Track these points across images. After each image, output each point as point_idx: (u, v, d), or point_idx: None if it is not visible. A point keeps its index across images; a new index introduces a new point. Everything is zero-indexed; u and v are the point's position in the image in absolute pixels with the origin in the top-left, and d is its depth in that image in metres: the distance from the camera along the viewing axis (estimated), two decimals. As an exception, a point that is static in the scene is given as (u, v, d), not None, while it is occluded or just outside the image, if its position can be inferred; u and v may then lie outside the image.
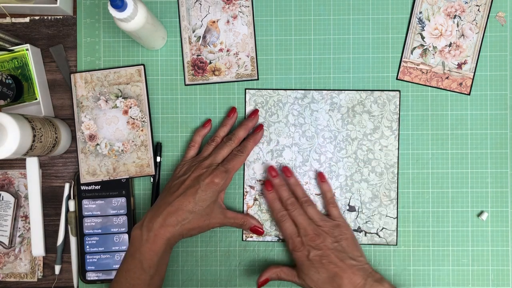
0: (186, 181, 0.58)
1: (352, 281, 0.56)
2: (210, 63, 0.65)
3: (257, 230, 0.63)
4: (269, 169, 0.63)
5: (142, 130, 0.64)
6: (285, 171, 0.63)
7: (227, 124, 0.63)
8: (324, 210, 0.64)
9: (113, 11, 0.51)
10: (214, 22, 0.65)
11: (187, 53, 0.65)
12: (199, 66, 0.65)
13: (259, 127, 0.64)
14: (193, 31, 0.65)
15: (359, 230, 0.64)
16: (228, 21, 0.65)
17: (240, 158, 0.60)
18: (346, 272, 0.57)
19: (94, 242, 0.64)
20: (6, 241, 0.65)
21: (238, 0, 0.65)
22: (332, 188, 0.63)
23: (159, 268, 0.55)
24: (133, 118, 0.64)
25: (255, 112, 0.64)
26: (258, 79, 0.65)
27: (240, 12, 0.64)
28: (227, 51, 0.65)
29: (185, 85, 0.65)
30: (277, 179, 0.62)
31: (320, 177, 0.63)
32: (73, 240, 0.65)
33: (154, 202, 0.61)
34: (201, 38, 0.65)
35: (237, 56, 0.65)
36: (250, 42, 0.65)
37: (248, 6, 0.64)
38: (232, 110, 0.64)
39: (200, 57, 0.65)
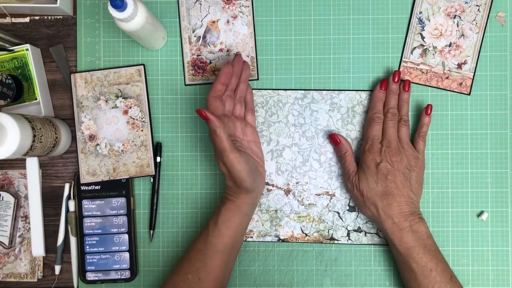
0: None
1: (401, 208, 0.58)
2: (210, 63, 0.65)
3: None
4: (394, 72, 0.62)
5: (142, 130, 0.64)
6: (405, 83, 0.61)
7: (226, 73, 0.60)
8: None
9: (113, 11, 0.51)
10: (214, 22, 0.65)
11: (187, 53, 0.65)
12: (199, 66, 0.65)
13: (245, 67, 0.61)
14: (193, 31, 0.65)
15: (359, 230, 0.64)
16: (228, 21, 0.65)
17: (242, 105, 0.61)
18: (400, 197, 0.58)
19: (94, 242, 0.64)
20: (6, 241, 0.65)
21: (238, 0, 0.65)
22: (429, 124, 0.62)
23: (241, 228, 0.59)
24: (133, 118, 0.64)
25: (238, 55, 0.62)
26: (258, 79, 0.65)
27: (240, 12, 0.64)
28: (227, 51, 0.65)
29: (185, 85, 0.65)
30: (395, 86, 0.62)
31: (426, 108, 0.62)
32: (73, 240, 0.65)
33: (229, 182, 0.59)
34: (201, 38, 0.65)
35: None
36: (250, 42, 0.65)
37: (248, 6, 0.64)
38: (236, 60, 0.61)
39: (200, 57, 0.65)
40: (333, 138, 0.63)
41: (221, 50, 0.65)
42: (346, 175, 0.62)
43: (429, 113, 0.62)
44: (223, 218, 0.57)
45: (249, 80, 0.65)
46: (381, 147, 0.59)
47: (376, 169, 0.59)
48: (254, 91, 0.65)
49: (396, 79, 0.61)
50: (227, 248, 0.57)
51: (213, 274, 0.57)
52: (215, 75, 0.65)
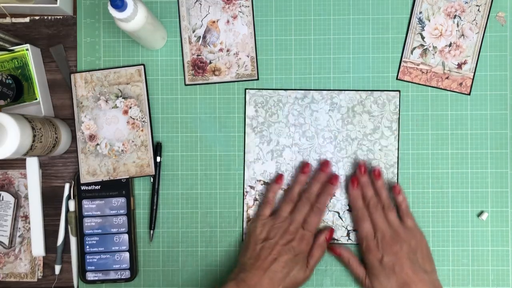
0: (277, 246, 0.59)
1: None
2: (210, 63, 0.65)
3: (331, 234, 0.63)
4: (359, 165, 0.62)
5: (142, 130, 0.64)
6: (375, 173, 0.62)
7: (302, 181, 0.63)
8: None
9: (113, 11, 0.51)
10: (214, 22, 0.65)
11: (187, 53, 0.65)
12: (199, 66, 0.65)
13: (334, 179, 0.63)
14: (193, 31, 0.65)
15: (359, 230, 0.65)
16: (228, 21, 0.65)
17: (320, 216, 0.61)
18: (416, 284, 0.57)
19: (94, 242, 0.64)
20: (6, 241, 0.65)
21: (238, 0, 0.65)
22: (406, 200, 0.63)
23: None
24: (133, 118, 0.64)
25: (326, 163, 0.63)
26: (258, 79, 0.65)
27: (240, 12, 0.64)
28: (227, 51, 0.65)
29: (185, 85, 0.65)
30: (365, 178, 0.62)
31: (394, 190, 0.62)
32: (73, 240, 0.65)
33: (240, 260, 0.61)
34: (201, 38, 0.65)
35: (237, 56, 0.65)
36: (250, 42, 0.65)
37: (248, 6, 0.64)
38: (306, 166, 0.63)
39: (200, 57, 0.65)
40: (334, 251, 0.63)
41: (221, 50, 0.65)
42: (359, 281, 0.62)
43: (398, 192, 0.62)
44: None
45: (249, 80, 0.65)
46: (377, 242, 0.59)
47: (381, 266, 0.58)
48: (254, 91, 0.65)
49: (363, 171, 0.62)
50: None
51: None
52: (215, 75, 0.65)
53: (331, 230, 0.63)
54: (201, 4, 0.65)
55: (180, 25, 0.65)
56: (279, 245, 0.59)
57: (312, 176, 0.63)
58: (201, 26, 0.65)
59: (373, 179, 0.62)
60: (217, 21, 0.65)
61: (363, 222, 0.61)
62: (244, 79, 0.65)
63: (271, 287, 0.57)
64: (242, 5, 0.64)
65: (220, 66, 0.65)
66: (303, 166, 0.63)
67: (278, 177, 0.64)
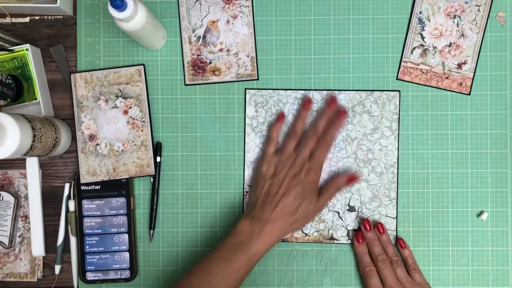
0: (285, 181, 0.59)
1: None
2: (210, 63, 0.65)
3: (353, 178, 0.63)
4: (363, 222, 0.63)
5: (142, 130, 0.64)
6: (379, 227, 0.63)
7: (304, 116, 0.63)
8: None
9: (113, 11, 0.51)
10: (214, 22, 0.65)
11: (187, 53, 0.65)
12: (199, 66, 0.65)
13: (342, 113, 0.63)
14: (193, 31, 0.65)
15: (359, 230, 0.64)
16: (228, 21, 0.65)
17: (328, 149, 0.61)
18: None
19: (94, 242, 0.64)
20: (6, 241, 0.65)
21: (238, 0, 0.65)
22: (412, 253, 0.63)
23: (255, 264, 0.58)
24: (133, 118, 0.64)
25: (333, 99, 0.63)
26: (258, 79, 0.65)
27: (240, 12, 0.64)
28: (227, 51, 0.65)
29: (185, 85, 0.65)
30: (371, 233, 0.62)
31: (400, 244, 0.63)
32: (73, 240, 0.65)
33: (250, 201, 0.61)
34: (201, 38, 0.65)
35: (237, 56, 0.65)
36: (250, 42, 0.65)
37: (248, 6, 0.64)
38: (308, 101, 0.63)
39: (200, 57, 0.65)
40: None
41: (221, 50, 0.65)
42: None
43: (404, 246, 0.63)
44: (257, 257, 0.57)
45: (249, 80, 0.65)
46: None
47: None
48: (254, 91, 0.65)
49: (368, 228, 0.62)
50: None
51: None
52: (215, 75, 0.65)
53: (353, 176, 0.63)
54: (201, 4, 0.65)
55: (180, 25, 0.65)
56: (287, 179, 0.59)
57: (319, 112, 0.64)
58: (201, 26, 0.65)
59: (378, 235, 0.63)
60: (217, 21, 0.65)
61: (372, 278, 0.61)
62: (244, 79, 0.65)
63: (283, 221, 0.58)
64: (242, 5, 0.64)
65: (220, 66, 0.65)
66: (305, 102, 0.63)
67: (280, 115, 0.64)
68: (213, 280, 0.55)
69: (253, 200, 0.60)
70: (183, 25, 0.65)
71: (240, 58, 0.65)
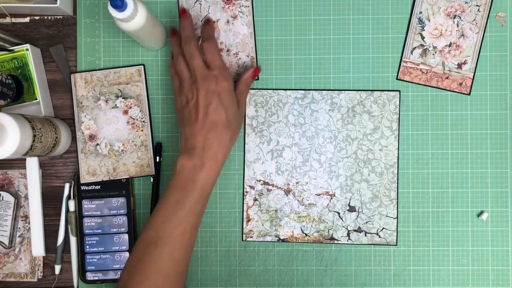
0: (199, 100, 0.56)
1: None
2: None
3: (257, 71, 0.62)
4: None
5: (142, 130, 0.64)
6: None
7: (184, 28, 0.60)
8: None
9: (113, 11, 0.51)
10: (214, 22, 0.65)
11: None
12: None
13: (183, 12, 0.61)
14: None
15: (359, 230, 0.64)
16: (228, 21, 0.65)
17: (214, 44, 0.59)
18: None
19: (94, 242, 0.64)
20: (6, 241, 0.65)
21: (238, 0, 0.65)
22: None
23: (208, 196, 0.57)
24: (133, 118, 0.64)
25: (183, 11, 0.62)
26: (258, 79, 0.65)
27: (240, 12, 0.64)
28: (227, 51, 0.65)
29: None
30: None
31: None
32: (73, 240, 0.65)
33: (181, 139, 0.59)
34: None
35: (237, 56, 0.65)
36: (250, 42, 0.65)
37: (248, 6, 0.64)
38: (182, 10, 0.62)
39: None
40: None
41: (221, 50, 0.65)
42: None
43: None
44: (209, 187, 0.56)
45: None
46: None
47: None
48: (254, 91, 0.65)
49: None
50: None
51: (194, 241, 0.58)
52: None
53: (256, 68, 0.63)
54: (201, 4, 0.65)
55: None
56: (201, 99, 0.56)
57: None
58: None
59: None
60: (217, 21, 0.65)
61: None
62: None
63: (219, 140, 0.56)
64: (242, 5, 0.64)
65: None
66: (180, 12, 0.62)
67: (172, 31, 0.62)
68: (169, 228, 0.54)
69: (182, 137, 0.58)
70: None
71: (240, 58, 0.65)
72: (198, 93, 0.56)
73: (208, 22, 0.63)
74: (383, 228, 0.64)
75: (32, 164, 0.64)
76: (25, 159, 0.65)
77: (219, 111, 0.56)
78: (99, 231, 0.64)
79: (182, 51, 0.60)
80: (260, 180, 0.65)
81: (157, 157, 0.65)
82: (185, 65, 0.59)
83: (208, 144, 0.56)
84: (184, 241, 0.55)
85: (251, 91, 0.65)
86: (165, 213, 0.55)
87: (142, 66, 0.65)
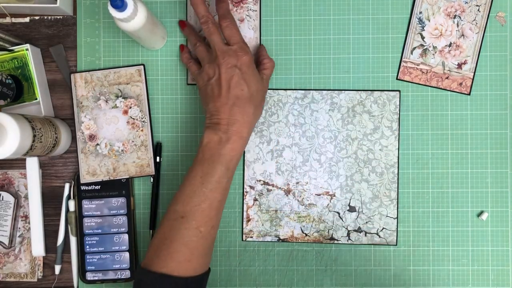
0: (221, 76, 0.57)
1: None
2: None
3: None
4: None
5: (142, 130, 0.64)
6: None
7: (197, 4, 0.59)
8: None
9: (113, 11, 0.51)
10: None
11: (192, 52, 0.65)
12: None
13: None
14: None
15: (359, 230, 0.64)
16: None
17: (231, 21, 0.59)
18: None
19: (94, 242, 0.64)
20: (6, 241, 0.65)
21: (246, 4, 0.64)
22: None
23: (234, 170, 0.57)
24: (133, 118, 0.64)
25: None
26: None
27: (247, 16, 0.65)
28: None
29: (187, 84, 0.65)
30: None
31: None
32: (73, 240, 0.65)
33: (205, 115, 0.59)
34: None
35: None
36: (255, 45, 0.65)
37: (256, 10, 0.65)
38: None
39: None
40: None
41: None
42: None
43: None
44: (234, 161, 0.57)
45: None
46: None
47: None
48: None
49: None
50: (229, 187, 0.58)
51: (220, 216, 0.58)
52: None
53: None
54: (209, 5, 0.65)
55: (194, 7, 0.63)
56: (222, 73, 0.56)
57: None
58: (215, 4, 0.64)
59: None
60: None
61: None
62: None
63: (243, 114, 0.57)
64: (250, 9, 0.65)
65: None
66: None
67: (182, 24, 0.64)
68: (195, 202, 0.55)
69: (207, 114, 0.58)
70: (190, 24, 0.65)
71: None
72: (219, 69, 0.57)
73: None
74: (383, 228, 0.64)
75: (32, 164, 0.64)
76: (25, 159, 0.65)
77: (241, 85, 0.57)
78: (99, 231, 0.64)
79: (199, 38, 0.62)
80: (260, 180, 0.65)
81: (157, 157, 0.65)
82: (204, 47, 0.60)
83: (233, 119, 0.56)
84: (211, 216, 0.55)
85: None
86: (192, 187, 0.56)
87: (142, 66, 0.65)
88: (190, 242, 0.54)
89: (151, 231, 0.65)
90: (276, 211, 0.65)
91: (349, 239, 0.64)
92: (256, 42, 0.65)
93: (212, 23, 0.58)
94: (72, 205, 0.65)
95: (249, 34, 0.65)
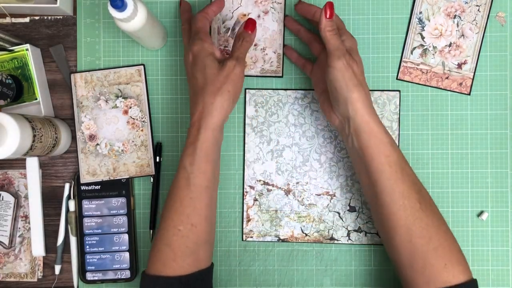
0: (187, 75, 0.58)
1: None
2: None
3: (251, 25, 0.58)
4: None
5: (142, 130, 0.64)
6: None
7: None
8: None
9: (113, 11, 0.51)
10: (244, 15, 0.64)
11: (214, 44, 0.62)
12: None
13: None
14: (223, 22, 0.64)
15: (359, 230, 0.64)
16: (259, 16, 0.64)
17: (198, 18, 0.59)
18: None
19: (94, 242, 0.64)
20: (6, 241, 0.65)
21: None
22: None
23: (202, 165, 0.55)
24: (133, 118, 0.64)
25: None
26: (282, 76, 0.65)
27: (272, 8, 0.64)
28: (255, 45, 0.65)
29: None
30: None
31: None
32: (73, 240, 0.65)
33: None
34: (230, 30, 0.65)
35: (264, 51, 0.65)
36: (278, 39, 0.64)
37: (281, 3, 0.64)
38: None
39: (226, 48, 0.65)
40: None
41: None
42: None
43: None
44: (200, 153, 0.54)
45: (274, 77, 0.65)
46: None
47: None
48: (254, 91, 0.65)
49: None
50: (211, 183, 0.56)
51: (204, 214, 0.55)
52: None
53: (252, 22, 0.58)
54: None
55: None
56: (187, 65, 0.58)
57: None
58: (231, 18, 0.65)
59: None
60: (248, 15, 0.64)
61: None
62: (268, 75, 0.65)
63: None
64: (275, 1, 0.64)
65: (245, 60, 0.62)
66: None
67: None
68: (169, 201, 0.55)
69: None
70: None
71: (266, 54, 0.65)
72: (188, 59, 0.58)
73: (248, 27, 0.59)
74: (383, 228, 0.64)
75: (32, 164, 0.64)
76: (25, 159, 0.65)
77: (198, 74, 0.56)
78: (99, 231, 0.64)
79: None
80: (260, 180, 0.65)
81: (157, 157, 0.65)
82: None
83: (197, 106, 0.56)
84: (186, 213, 0.54)
85: (251, 91, 0.65)
86: (170, 188, 0.56)
87: (142, 66, 0.65)
88: (172, 242, 0.54)
89: (151, 231, 0.65)
90: (276, 211, 0.65)
91: (349, 239, 0.64)
92: (279, 35, 0.64)
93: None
94: (72, 205, 0.65)
95: (272, 26, 0.65)
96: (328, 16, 0.54)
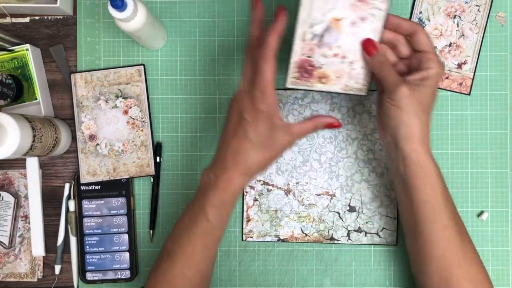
0: (231, 117, 0.52)
1: None
2: (320, 68, 0.54)
3: (334, 125, 0.54)
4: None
5: (142, 130, 0.64)
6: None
7: (255, 21, 0.53)
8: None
9: (113, 11, 0.51)
10: (337, 20, 0.53)
11: (296, 51, 0.54)
12: (306, 69, 0.54)
13: (279, 13, 0.51)
14: (311, 27, 0.53)
15: (359, 230, 0.64)
16: (354, 23, 0.53)
17: (266, 61, 0.50)
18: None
19: (94, 242, 0.64)
20: (6, 241, 0.65)
21: (373, 0, 0.52)
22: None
23: (224, 218, 0.53)
24: (133, 118, 0.64)
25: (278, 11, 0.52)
26: (367, 95, 0.56)
27: (371, 15, 0.52)
28: (342, 57, 0.54)
29: (285, 89, 0.62)
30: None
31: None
32: (73, 240, 0.65)
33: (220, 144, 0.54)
34: (317, 37, 0.53)
35: (351, 65, 0.54)
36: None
37: (382, 10, 0.52)
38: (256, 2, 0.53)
39: (310, 58, 0.54)
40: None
41: (335, 55, 0.53)
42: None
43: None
44: (227, 210, 0.52)
45: (356, 94, 0.56)
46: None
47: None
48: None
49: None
50: (221, 237, 0.55)
51: (210, 262, 0.55)
52: (321, 82, 0.55)
53: (336, 123, 0.54)
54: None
55: (298, 16, 0.53)
56: (233, 116, 0.53)
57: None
58: (321, 22, 0.53)
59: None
60: (341, 20, 0.53)
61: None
62: (351, 92, 0.55)
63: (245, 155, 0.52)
64: (376, 7, 0.52)
65: (329, 74, 0.54)
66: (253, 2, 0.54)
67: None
68: (181, 243, 0.53)
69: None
70: (301, 17, 0.52)
71: (354, 69, 0.54)
72: (234, 109, 0.53)
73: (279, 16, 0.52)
74: (383, 228, 0.64)
75: (32, 164, 0.64)
76: (25, 159, 0.65)
77: (243, 136, 0.52)
78: (99, 231, 0.64)
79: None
80: (260, 180, 0.65)
81: (157, 157, 0.65)
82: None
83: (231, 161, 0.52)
84: (195, 259, 0.53)
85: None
86: (180, 226, 0.54)
87: (142, 66, 0.65)
88: (173, 281, 0.53)
89: (151, 231, 0.65)
90: (276, 211, 0.65)
91: (349, 239, 0.64)
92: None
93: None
94: (72, 205, 0.65)
95: (367, 37, 0.54)
96: (369, 55, 0.51)
